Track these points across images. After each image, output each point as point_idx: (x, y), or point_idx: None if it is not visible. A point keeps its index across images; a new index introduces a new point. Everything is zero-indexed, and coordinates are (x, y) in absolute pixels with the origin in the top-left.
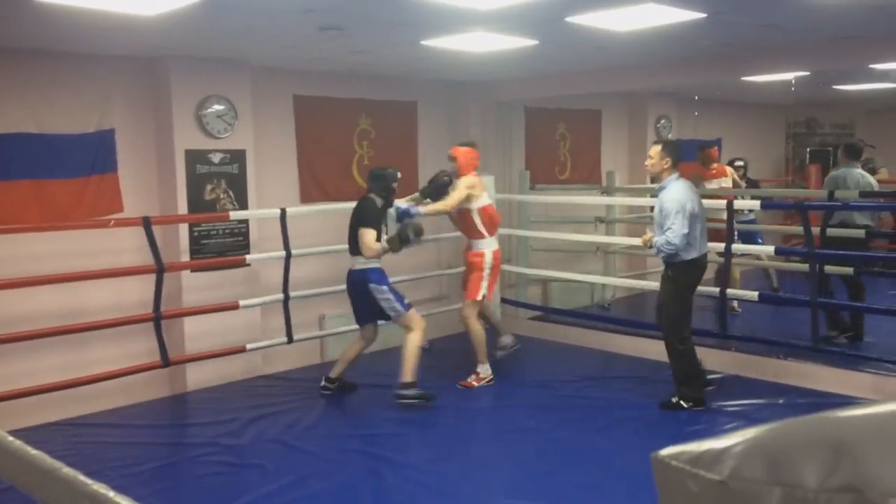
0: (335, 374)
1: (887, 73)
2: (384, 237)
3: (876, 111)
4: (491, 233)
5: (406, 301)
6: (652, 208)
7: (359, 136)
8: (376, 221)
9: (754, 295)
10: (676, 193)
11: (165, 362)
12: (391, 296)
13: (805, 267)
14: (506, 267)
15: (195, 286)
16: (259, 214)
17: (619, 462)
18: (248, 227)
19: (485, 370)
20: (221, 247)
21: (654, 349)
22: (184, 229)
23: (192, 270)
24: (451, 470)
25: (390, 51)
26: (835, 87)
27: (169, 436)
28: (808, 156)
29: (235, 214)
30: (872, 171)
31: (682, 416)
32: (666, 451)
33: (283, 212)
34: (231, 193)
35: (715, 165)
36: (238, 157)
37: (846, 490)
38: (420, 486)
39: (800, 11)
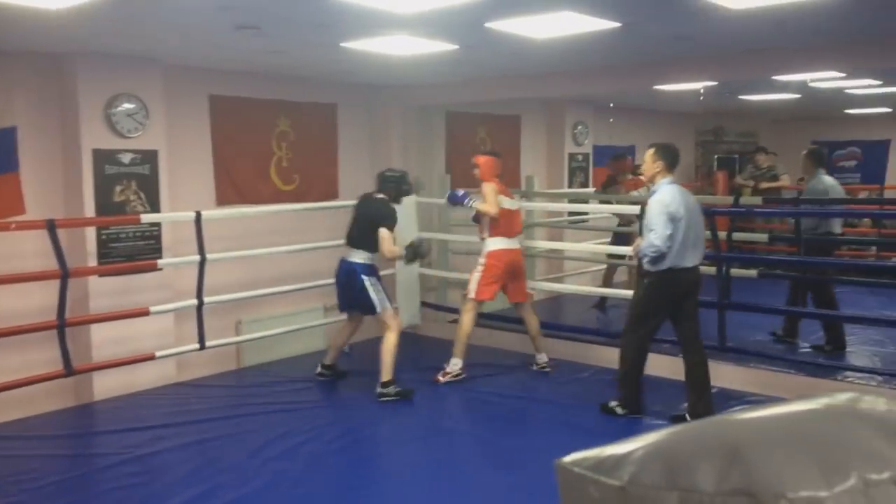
0: (329, 360)
1: (787, 84)
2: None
3: (778, 120)
4: (494, 234)
5: (390, 300)
6: (570, 213)
7: (277, 138)
8: (394, 223)
9: None
10: (663, 196)
11: (69, 371)
12: (382, 292)
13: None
14: (426, 271)
15: (103, 291)
16: (172, 217)
17: (542, 463)
18: (160, 230)
19: (453, 365)
20: (132, 251)
21: (573, 351)
22: (91, 233)
23: (100, 275)
24: (372, 474)
25: (309, 52)
26: (740, 97)
27: (74, 447)
28: (715, 162)
29: (147, 217)
30: (774, 178)
31: (612, 418)
32: (569, 458)
33: (198, 215)
34: (142, 195)
35: (630, 176)
36: (150, 157)
37: (739, 494)
38: (339, 492)
39: (710, 24)
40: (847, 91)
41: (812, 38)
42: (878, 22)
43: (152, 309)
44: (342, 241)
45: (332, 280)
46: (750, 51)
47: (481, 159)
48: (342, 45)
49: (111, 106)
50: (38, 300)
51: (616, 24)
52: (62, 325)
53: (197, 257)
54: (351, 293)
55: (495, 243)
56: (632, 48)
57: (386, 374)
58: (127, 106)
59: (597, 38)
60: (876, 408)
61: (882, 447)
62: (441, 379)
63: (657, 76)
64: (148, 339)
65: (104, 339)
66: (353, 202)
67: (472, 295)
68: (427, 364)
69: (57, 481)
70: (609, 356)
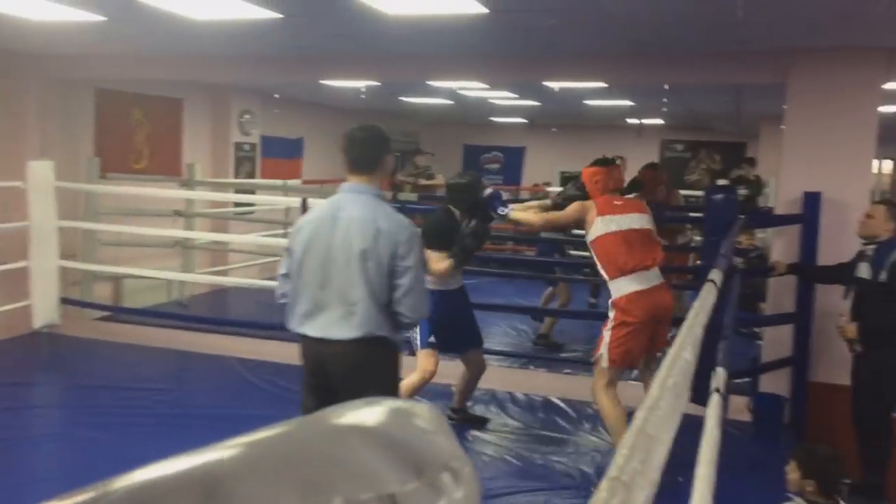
0: (457, 404)
1: (439, 89)
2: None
3: (435, 123)
4: (611, 273)
5: (430, 340)
6: (236, 204)
7: None
8: (439, 239)
9: None
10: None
11: None
12: (423, 326)
13: None
14: (69, 264)
15: None
16: None
17: None
18: None
19: None
20: None
21: (226, 345)
22: None
23: None
24: None
25: None
26: (401, 98)
27: None
28: None
29: None
30: (431, 177)
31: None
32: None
33: None
34: None
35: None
36: None
37: None
38: None
39: (366, 25)
40: (490, 101)
41: (459, 50)
42: (514, 42)
43: None
44: None
45: None
46: (406, 55)
47: (585, 172)
48: None
49: None
50: None
51: (277, 16)
52: None
53: None
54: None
55: (620, 287)
56: (295, 41)
57: None
58: None
59: (258, 26)
60: (376, 421)
61: (372, 463)
62: None
63: (320, 71)
64: None
65: None
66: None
67: (602, 363)
68: (74, 368)
69: None
70: (279, 350)
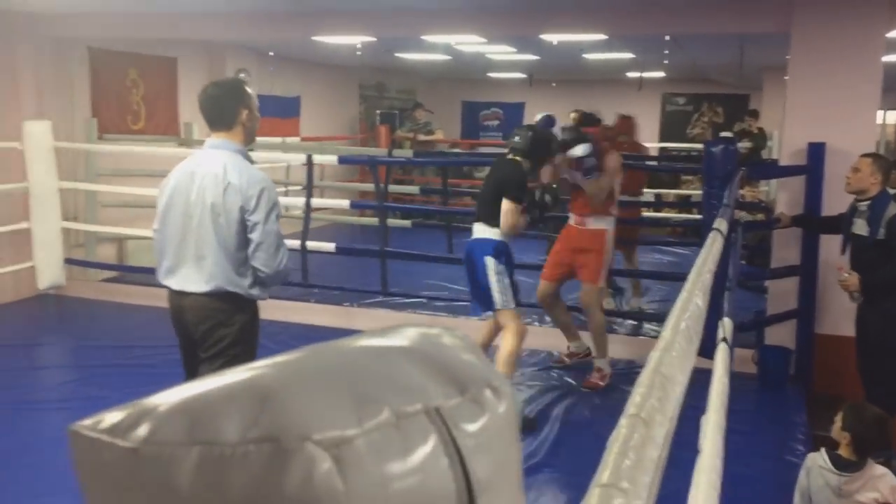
0: None
1: (436, 45)
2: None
3: (432, 80)
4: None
5: (518, 296)
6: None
7: None
8: (520, 191)
9: (331, 247)
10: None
11: None
12: (507, 280)
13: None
14: (72, 225)
15: None
16: None
17: None
18: None
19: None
20: None
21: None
22: None
23: None
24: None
25: None
26: (397, 54)
27: None
28: (378, 117)
29: None
30: (430, 133)
31: None
32: (85, 421)
33: None
34: None
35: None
36: None
37: (265, 440)
38: None
39: None
40: (488, 56)
41: (455, 3)
42: None
43: None
44: None
45: None
46: (401, 9)
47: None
48: None
49: None
50: None
51: None
52: None
53: None
54: (474, 281)
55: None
56: None
57: None
58: None
59: None
60: (419, 340)
61: (417, 378)
62: (600, 383)
63: (314, 26)
64: None
65: None
66: None
67: (601, 283)
68: (80, 328)
69: None
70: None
